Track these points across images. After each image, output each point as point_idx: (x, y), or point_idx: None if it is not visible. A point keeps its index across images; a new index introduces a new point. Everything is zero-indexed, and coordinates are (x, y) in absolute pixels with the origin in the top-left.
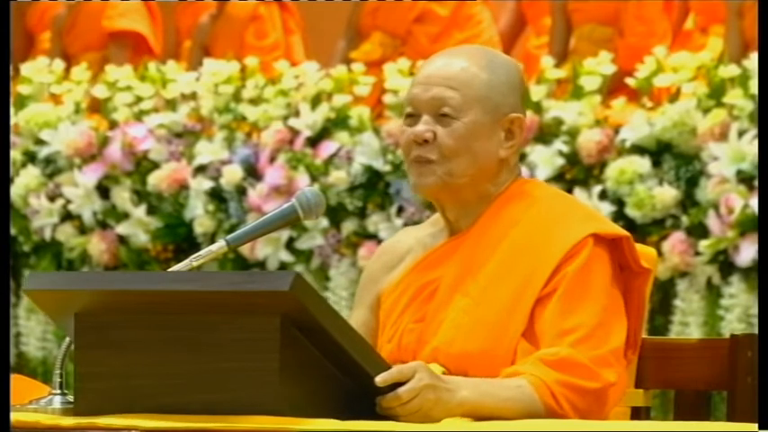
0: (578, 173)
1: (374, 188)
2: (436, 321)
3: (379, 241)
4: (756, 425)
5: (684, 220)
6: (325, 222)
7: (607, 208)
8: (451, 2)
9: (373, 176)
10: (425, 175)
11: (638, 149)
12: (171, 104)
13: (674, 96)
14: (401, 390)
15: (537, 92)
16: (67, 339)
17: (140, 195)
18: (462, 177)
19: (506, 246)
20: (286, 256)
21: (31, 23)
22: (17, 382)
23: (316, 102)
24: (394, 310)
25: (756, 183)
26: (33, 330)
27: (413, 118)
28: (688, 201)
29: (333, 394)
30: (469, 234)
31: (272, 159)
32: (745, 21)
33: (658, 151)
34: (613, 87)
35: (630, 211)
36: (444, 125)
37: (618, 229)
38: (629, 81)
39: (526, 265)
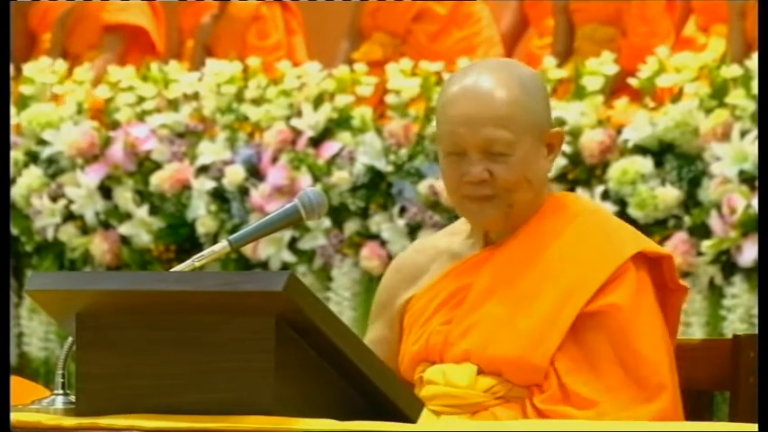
0: (581, 173)
1: (376, 188)
2: (465, 324)
3: (382, 242)
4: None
5: (687, 220)
6: (327, 223)
7: (609, 208)
8: (450, 0)
9: (375, 177)
10: (487, 210)
11: (641, 150)
12: (173, 105)
13: (677, 97)
14: None
15: None
16: (70, 339)
17: (143, 196)
18: (522, 205)
19: (548, 257)
20: (288, 257)
21: (33, 23)
22: (17, 384)
23: (318, 102)
24: (423, 314)
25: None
26: (36, 330)
27: (458, 156)
28: (690, 201)
29: (329, 394)
30: (506, 245)
31: (275, 160)
32: (747, 21)
33: (661, 151)
34: (616, 87)
35: (633, 212)
36: (499, 162)
37: (661, 248)
38: (632, 81)
39: (570, 277)
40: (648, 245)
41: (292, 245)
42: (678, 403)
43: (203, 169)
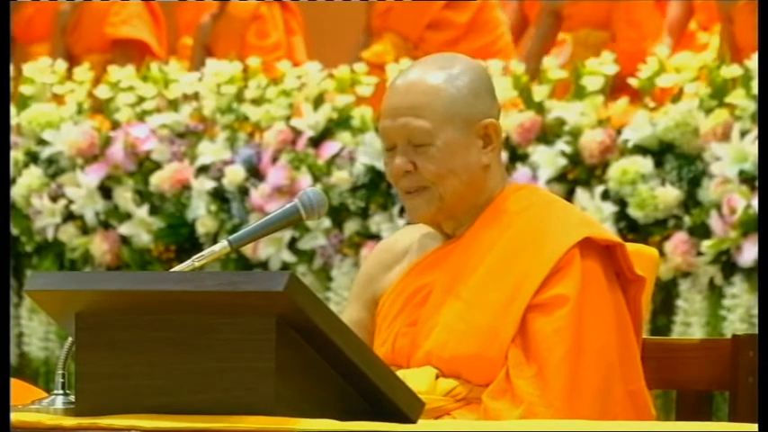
0: (581, 173)
1: (376, 188)
2: (429, 325)
3: None
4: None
5: (687, 220)
6: (327, 223)
7: (609, 208)
8: (469, 8)
9: (375, 177)
10: (419, 205)
11: (641, 150)
12: (173, 105)
13: (677, 97)
14: None
15: (539, 92)
16: (70, 339)
17: (143, 196)
18: (453, 197)
19: (499, 250)
20: (288, 257)
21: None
22: (16, 386)
23: (318, 102)
24: (389, 314)
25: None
26: (36, 331)
27: (390, 150)
28: (690, 201)
29: (329, 394)
30: (463, 239)
31: (275, 160)
32: (734, 25)
33: (661, 151)
34: (615, 89)
35: (633, 212)
36: (420, 153)
37: (611, 236)
38: (632, 81)
39: (518, 269)
40: (597, 231)
41: (292, 245)
42: (628, 400)
43: (203, 169)
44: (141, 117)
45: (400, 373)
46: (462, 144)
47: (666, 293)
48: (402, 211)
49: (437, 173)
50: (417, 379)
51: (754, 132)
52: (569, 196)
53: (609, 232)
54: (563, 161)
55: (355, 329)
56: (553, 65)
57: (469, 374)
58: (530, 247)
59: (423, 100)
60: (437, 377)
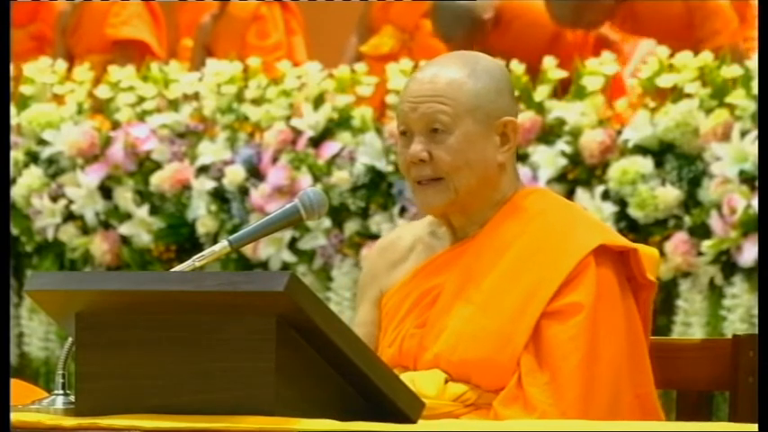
0: (581, 173)
1: (377, 188)
2: (437, 327)
3: None
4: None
5: (687, 220)
6: (327, 223)
7: (609, 208)
8: None
9: (376, 177)
10: (431, 196)
11: (641, 150)
12: (173, 105)
13: (677, 97)
14: None
15: (539, 92)
16: (70, 339)
17: (143, 196)
18: (467, 191)
19: (512, 255)
20: (288, 257)
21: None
22: (15, 386)
23: (318, 102)
24: (396, 314)
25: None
26: (36, 331)
27: (406, 137)
28: (690, 201)
29: (329, 394)
30: (474, 242)
31: (275, 160)
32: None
33: (661, 151)
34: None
35: (633, 212)
36: (438, 142)
37: (626, 242)
38: (632, 81)
39: (532, 275)
40: (612, 238)
41: (292, 245)
42: (637, 404)
43: (203, 169)
44: (141, 117)
45: (408, 376)
46: (480, 138)
47: (666, 293)
48: (402, 210)
49: (452, 164)
50: (426, 383)
51: (754, 132)
52: (569, 196)
53: (622, 238)
54: (563, 161)
55: (369, 329)
56: (552, 65)
57: (479, 379)
58: (544, 252)
59: (446, 90)
60: (446, 381)
